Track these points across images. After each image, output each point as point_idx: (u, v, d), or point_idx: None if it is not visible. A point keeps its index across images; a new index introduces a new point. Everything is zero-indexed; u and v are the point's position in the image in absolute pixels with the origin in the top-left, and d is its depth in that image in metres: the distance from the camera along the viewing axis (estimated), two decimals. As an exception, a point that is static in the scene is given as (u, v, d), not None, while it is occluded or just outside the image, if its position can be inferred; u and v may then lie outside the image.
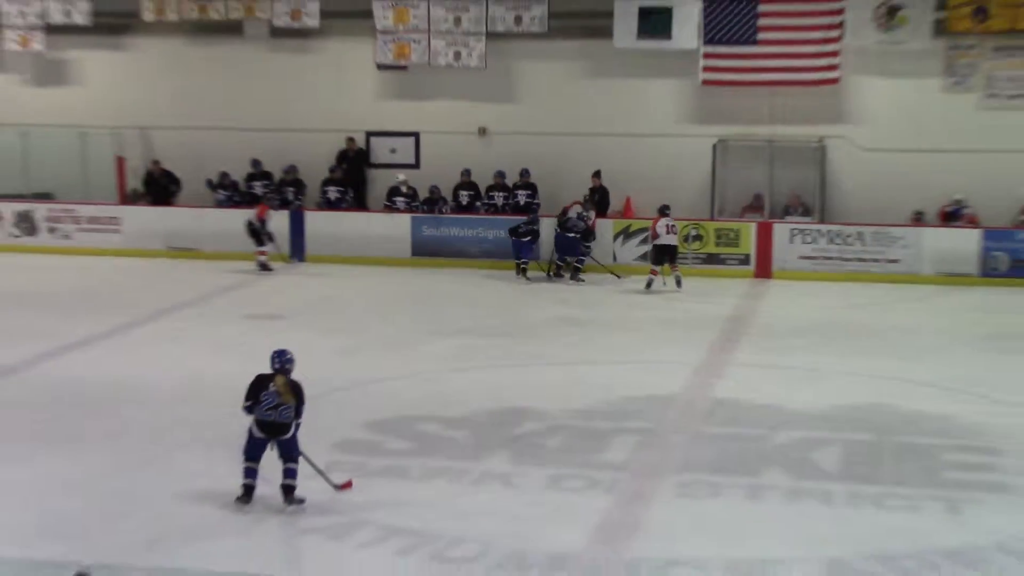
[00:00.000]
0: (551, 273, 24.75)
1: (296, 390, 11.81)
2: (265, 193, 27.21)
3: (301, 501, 11.76)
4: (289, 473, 11.73)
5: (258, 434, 11.74)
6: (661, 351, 18.81)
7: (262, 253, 25.40)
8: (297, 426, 11.80)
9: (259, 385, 11.77)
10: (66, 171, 28.42)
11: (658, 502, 12.47)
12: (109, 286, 23.49)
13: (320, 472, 12.10)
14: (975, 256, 24.33)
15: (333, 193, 27.53)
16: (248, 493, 11.77)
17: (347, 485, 12.24)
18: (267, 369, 11.86)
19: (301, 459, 11.87)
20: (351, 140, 28.11)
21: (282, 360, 11.94)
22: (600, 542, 11.35)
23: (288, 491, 11.72)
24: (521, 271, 24.99)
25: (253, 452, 11.79)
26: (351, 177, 28.01)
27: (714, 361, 18.37)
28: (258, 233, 25.34)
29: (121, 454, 13.65)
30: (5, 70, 29.42)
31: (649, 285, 23.69)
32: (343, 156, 28.06)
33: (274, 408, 11.70)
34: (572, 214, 24.74)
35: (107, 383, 16.78)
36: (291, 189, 27.43)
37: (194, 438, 13.86)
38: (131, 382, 16.66)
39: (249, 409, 11.78)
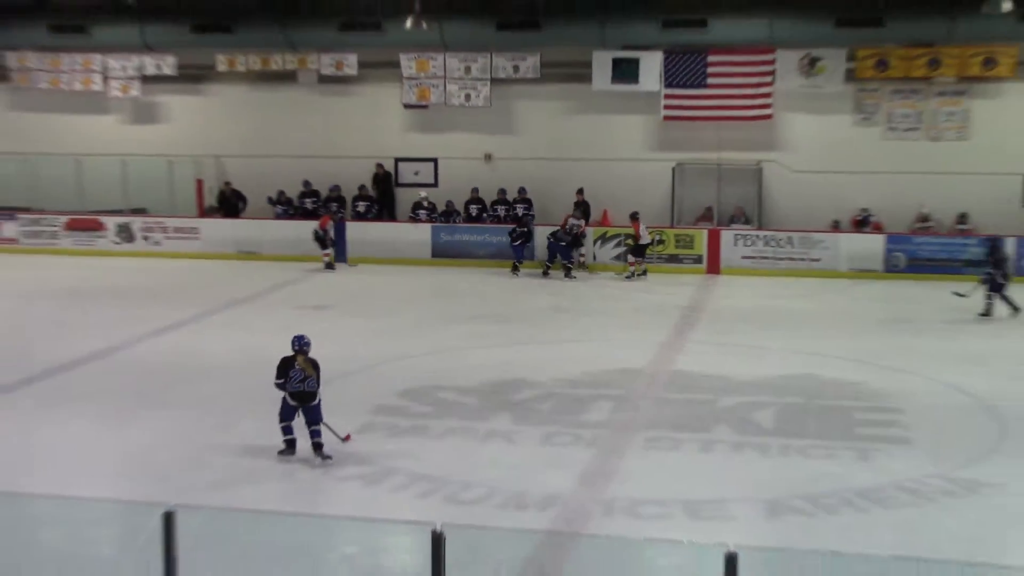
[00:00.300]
0: (544, 273, 24.78)
1: (315, 365, 12.05)
2: (329, 206, 27.18)
3: (329, 457, 11.98)
4: (315, 434, 11.99)
5: (291, 402, 12.01)
6: (631, 332, 18.93)
7: (326, 255, 25.47)
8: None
9: (286, 365, 12.00)
10: (156, 191, 28.47)
11: (629, 453, 12.61)
12: (190, 283, 23.56)
13: (330, 428, 12.21)
14: (880, 255, 24.44)
15: (361, 207, 27.60)
16: (291, 446, 12.07)
17: (347, 437, 12.46)
18: (288, 354, 12.01)
19: (324, 424, 12.10)
20: (380, 166, 28.19)
21: (301, 343, 12.11)
22: (583, 485, 11.50)
23: (318, 448, 11.98)
24: (513, 269, 25.04)
25: (287, 416, 12.07)
26: (381, 195, 28.07)
27: (674, 340, 18.46)
28: (322, 239, 25.50)
29: (197, 416, 13.77)
30: (109, 112, 29.39)
31: (631, 276, 24.27)
32: (375, 179, 28.10)
33: (302, 381, 11.91)
34: (571, 223, 24.81)
35: (188, 360, 16.87)
36: (335, 204, 27.43)
37: (254, 404, 13.90)
38: (206, 359, 16.79)
39: (281, 385, 12.00)
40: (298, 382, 11.96)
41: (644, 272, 24.53)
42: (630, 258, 24.69)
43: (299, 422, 12.00)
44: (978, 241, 21.48)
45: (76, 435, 13.10)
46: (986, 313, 19.95)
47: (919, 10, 24.10)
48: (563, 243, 24.60)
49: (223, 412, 13.91)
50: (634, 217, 24.63)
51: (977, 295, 20.08)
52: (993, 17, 21.56)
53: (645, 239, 24.54)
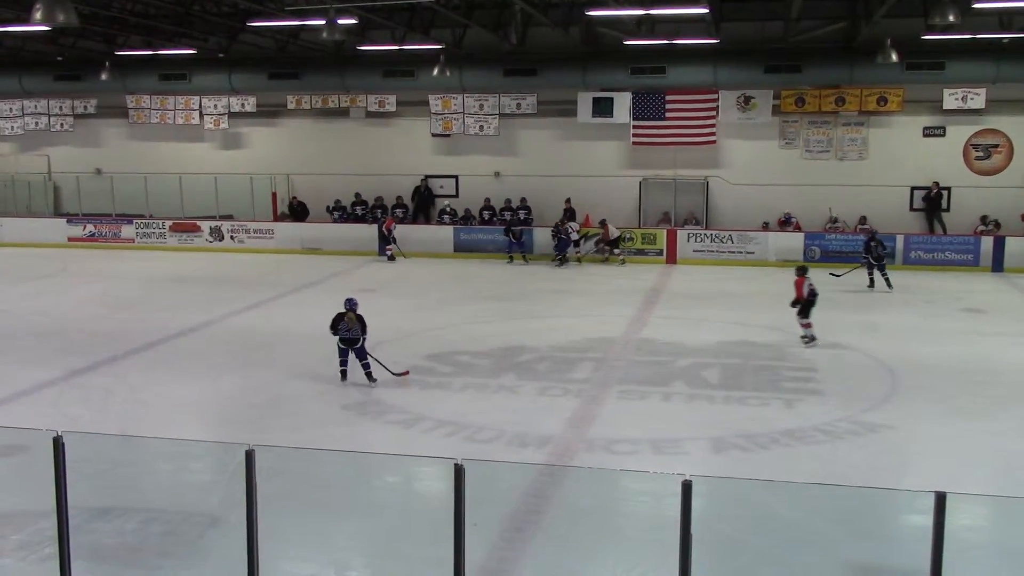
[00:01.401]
0: (561, 261, 24.70)
1: (360, 320, 12.99)
2: (394, 211, 26.99)
3: (375, 380, 13.03)
4: (365, 366, 13.01)
5: (341, 346, 12.99)
6: (608, 309, 18.86)
7: (389, 249, 25.37)
8: (364, 339, 13.00)
9: (338, 319, 12.97)
10: (241, 201, 28.35)
11: (606, 403, 12.61)
12: (267, 272, 23.52)
13: (383, 365, 13.12)
14: (800, 248, 24.25)
15: (400, 213, 27.46)
16: (344, 375, 13.25)
17: (405, 373, 13.34)
18: (341, 311, 12.99)
19: (371, 358, 13.05)
20: (423, 180, 28.00)
21: (350, 303, 13.09)
22: (571, 428, 11.47)
23: (368, 376, 13.01)
24: (509, 259, 25.15)
25: (342, 356, 13.10)
26: (422, 203, 27.86)
27: (641, 315, 18.41)
28: (386, 237, 25.48)
29: (275, 375, 13.78)
30: (204, 140, 29.32)
31: (623, 263, 24.61)
32: (416, 191, 27.97)
33: (348, 331, 12.89)
34: (569, 226, 24.83)
35: (266, 330, 16.88)
36: (379, 211, 27.34)
37: (318, 364, 13.90)
38: (280, 330, 16.78)
39: (335, 332, 12.99)
40: (345, 331, 12.97)
41: (623, 262, 24.64)
42: (611, 250, 24.83)
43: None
44: (866, 236, 21.83)
45: (181, 389, 13.11)
46: (871, 285, 20.82)
47: (828, 60, 24.06)
48: (562, 238, 24.63)
49: (294, 371, 13.89)
50: (603, 223, 24.77)
51: (852, 275, 20.84)
52: (884, 65, 21.56)
53: (614, 235, 24.65)
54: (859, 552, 7.96)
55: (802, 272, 15.98)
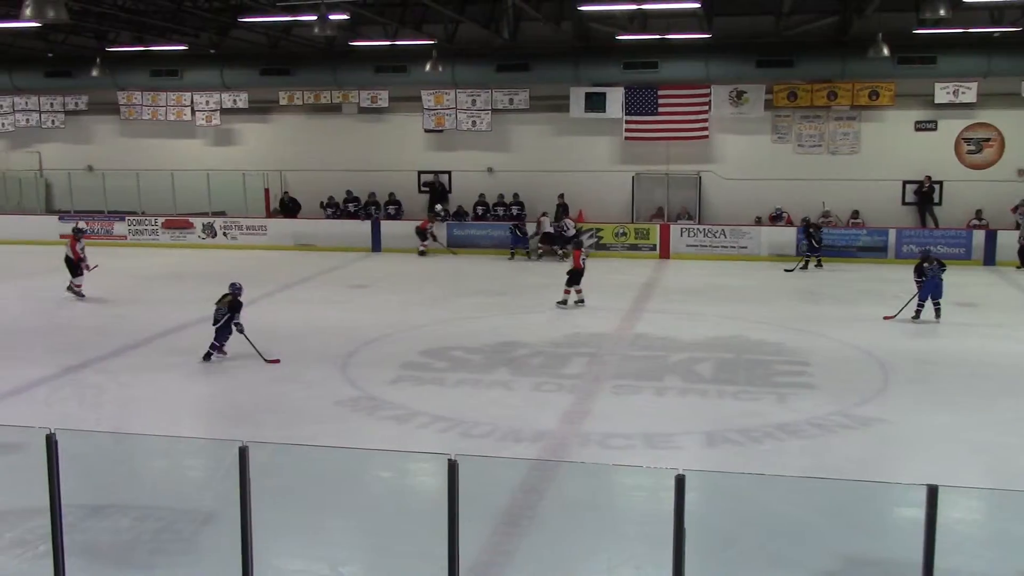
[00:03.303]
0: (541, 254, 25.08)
1: (233, 303, 14.00)
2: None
3: (209, 359, 14.04)
4: (212, 345, 14.15)
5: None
6: (602, 303, 18.82)
7: (424, 246, 25.48)
8: (233, 320, 13.95)
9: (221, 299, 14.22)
10: (233, 198, 28.31)
11: (600, 398, 12.60)
12: (260, 268, 23.48)
13: (256, 349, 13.83)
14: (792, 243, 24.29)
15: (392, 209, 27.49)
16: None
17: (275, 360, 13.77)
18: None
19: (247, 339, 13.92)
20: (436, 176, 27.85)
21: (234, 288, 14.24)
22: (565, 423, 11.46)
23: (206, 356, 14.15)
24: (511, 255, 25.04)
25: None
26: (436, 199, 27.38)
27: (634, 309, 18.43)
28: (422, 234, 25.58)
29: (267, 371, 13.72)
30: (196, 137, 29.24)
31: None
32: (431, 186, 27.81)
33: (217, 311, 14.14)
34: (567, 221, 24.94)
35: (260, 326, 16.76)
36: (372, 207, 27.33)
37: (312, 360, 13.87)
38: (274, 325, 16.68)
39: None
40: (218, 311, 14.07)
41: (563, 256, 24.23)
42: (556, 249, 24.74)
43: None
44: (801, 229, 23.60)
45: (174, 385, 13.09)
46: (804, 267, 22.90)
47: (820, 54, 24.10)
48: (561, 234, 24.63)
49: (288, 366, 13.87)
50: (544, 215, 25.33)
51: (801, 267, 22.78)
52: (876, 59, 21.56)
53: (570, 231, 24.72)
54: (852, 545, 7.99)
55: (578, 246, 19.23)
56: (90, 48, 26.34)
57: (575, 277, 18.38)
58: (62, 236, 27.61)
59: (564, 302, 18.30)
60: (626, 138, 26.23)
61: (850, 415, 11.59)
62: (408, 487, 9.67)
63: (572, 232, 24.62)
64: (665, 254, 25.07)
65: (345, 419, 11.64)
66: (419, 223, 25.99)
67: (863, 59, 22.21)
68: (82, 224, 22.72)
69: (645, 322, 17.27)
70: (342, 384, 12.93)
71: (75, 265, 19.22)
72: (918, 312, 16.85)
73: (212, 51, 26.56)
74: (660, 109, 25.73)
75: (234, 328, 13.94)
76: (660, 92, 25.61)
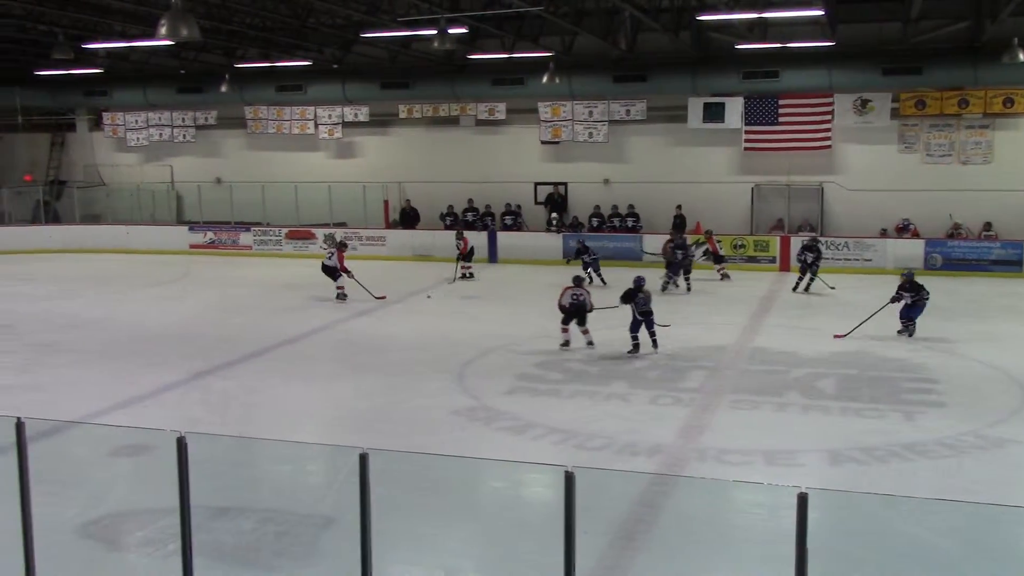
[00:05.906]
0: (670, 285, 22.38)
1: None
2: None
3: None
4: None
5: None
6: (720, 316, 18.63)
7: (464, 268, 24.20)
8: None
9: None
10: (354, 209, 28.87)
11: (718, 413, 12.44)
12: (379, 278, 23.84)
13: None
14: (920, 256, 23.50)
15: (508, 219, 27.61)
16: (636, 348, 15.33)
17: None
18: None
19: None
20: (556, 187, 27.87)
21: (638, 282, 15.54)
22: (682, 438, 11.33)
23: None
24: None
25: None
26: (555, 208, 27.36)
27: (753, 323, 18.13)
28: (467, 258, 24.38)
29: (385, 379, 13.97)
30: (319, 149, 29.98)
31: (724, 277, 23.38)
32: (549, 197, 27.83)
33: (646, 304, 15.50)
34: (689, 243, 22.80)
35: (378, 335, 17.12)
36: (489, 218, 27.54)
37: (429, 370, 14.03)
38: (392, 335, 17.01)
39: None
40: (643, 304, 15.29)
41: (726, 274, 23.40)
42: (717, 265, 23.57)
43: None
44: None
45: (297, 392, 13.41)
46: (806, 290, 21.33)
47: (951, 60, 23.23)
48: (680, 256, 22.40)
49: (405, 375, 14.07)
50: (708, 234, 23.69)
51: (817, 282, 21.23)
52: (1011, 65, 20.71)
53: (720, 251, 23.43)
54: (984, 572, 7.66)
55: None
56: (219, 65, 27.30)
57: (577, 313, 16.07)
58: (192, 246, 28.81)
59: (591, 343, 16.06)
60: (745, 148, 25.83)
61: (983, 435, 11.15)
62: (523, 498, 9.69)
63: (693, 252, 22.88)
64: (785, 267, 24.52)
65: (461, 429, 11.73)
66: (459, 243, 23.86)
67: (997, 65, 21.36)
68: (346, 239, 24.20)
69: (764, 336, 16.96)
70: (459, 394, 13.05)
71: (333, 271, 20.48)
72: None
73: (335, 66, 27.20)
74: (781, 119, 25.26)
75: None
76: (781, 101, 25.16)
